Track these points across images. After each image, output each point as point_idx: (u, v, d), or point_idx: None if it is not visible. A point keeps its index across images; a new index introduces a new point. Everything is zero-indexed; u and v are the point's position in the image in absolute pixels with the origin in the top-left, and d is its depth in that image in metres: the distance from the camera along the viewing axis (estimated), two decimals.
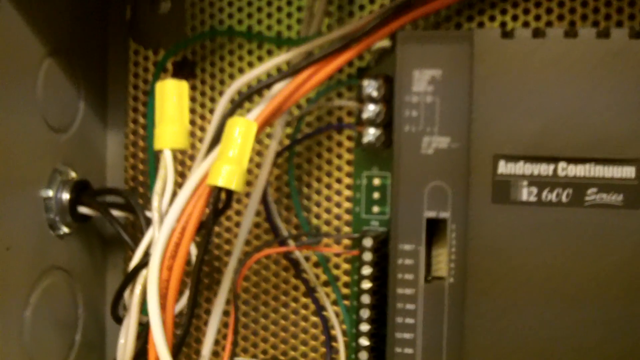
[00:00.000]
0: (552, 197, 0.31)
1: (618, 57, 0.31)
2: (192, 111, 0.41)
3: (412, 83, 0.33)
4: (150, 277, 0.32)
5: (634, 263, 0.31)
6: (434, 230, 0.34)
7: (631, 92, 0.31)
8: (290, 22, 0.40)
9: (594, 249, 0.31)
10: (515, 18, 0.37)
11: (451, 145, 0.33)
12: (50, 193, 0.37)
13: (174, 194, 0.33)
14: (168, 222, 0.32)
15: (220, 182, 0.32)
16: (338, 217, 0.40)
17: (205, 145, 0.35)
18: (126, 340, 0.34)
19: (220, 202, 0.33)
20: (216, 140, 0.34)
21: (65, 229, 0.38)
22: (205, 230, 0.33)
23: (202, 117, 0.41)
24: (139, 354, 0.34)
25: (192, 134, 0.41)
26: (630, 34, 0.31)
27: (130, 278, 0.34)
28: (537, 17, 0.37)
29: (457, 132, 0.33)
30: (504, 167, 0.32)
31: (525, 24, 0.37)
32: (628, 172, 0.31)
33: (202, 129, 0.41)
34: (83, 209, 0.38)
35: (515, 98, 0.31)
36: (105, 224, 0.42)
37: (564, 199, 0.31)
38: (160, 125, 0.34)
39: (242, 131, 0.32)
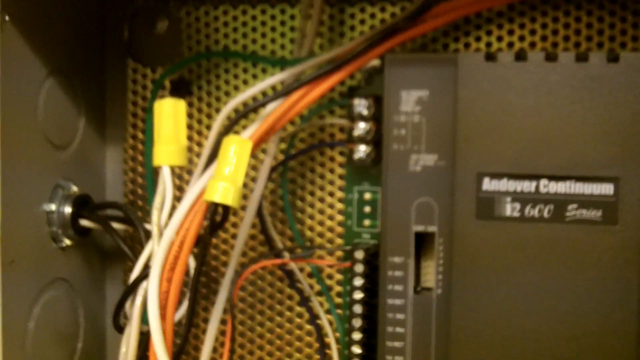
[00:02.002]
0: (535, 212, 0.33)
1: (596, 80, 0.32)
2: (189, 127, 0.42)
3: (400, 103, 0.35)
4: (151, 288, 0.33)
5: (612, 276, 0.32)
6: (422, 243, 0.35)
7: (609, 114, 0.32)
8: (283, 42, 0.41)
9: (575, 262, 0.32)
10: (500, 39, 0.38)
11: (438, 163, 0.34)
12: (53, 207, 0.39)
13: (173, 208, 0.35)
14: (167, 235, 0.34)
15: (217, 198, 0.33)
16: (330, 230, 0.41)
17: (202, 161, 0.36)
18: (127, 349, 0.35)
19: (217, 216, 0.35)
20: (213, 157, 0.35)
21: (67, 242, 0.39)
22: (202, 243, 0.35)
23: (199, 133, 0.42)
24: None
25: (189, 149, 0.42)
26: (608, 58, 0.32)
27: (131, 289, 0.35)
28: (521, 38, 0.38)
29: (443, 150, 0.34)
30: (488, 184, 0.33)
31: (510, 45, 0.38)
32: (607, 189, 0.32)
33: (199, 144, 0.42)
34: (84, 222, 0.40)
35: (499, 118, 0.33)
36: (104, 236, 0.43)
37: (545, 214, 0.33)
38: (159, 143, 0.35)
39: (237, 149, 0.33)
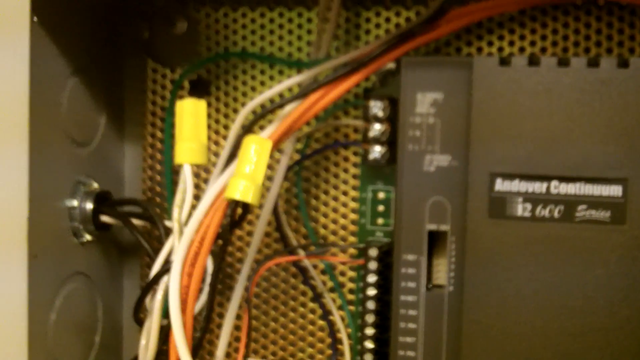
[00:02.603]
0: (545, 213, 0.34)
1: (607, 84, 0.33)
2: (207, 127, 0.43)
3: (415, 105, 0.36)
4: (172, 283, 0.34)
5: (620, 274, 0.33)
6: (435, 241, 0.36)
7: (618, 118, 0.33)
8: (300, 44, 0.42)
9: (583, 261, 0.33)
10: (511, 43, 0.40)
11: (451, 164, 0.35)
12: (75, 203, 0.40)
13: (192, 206, 0.36)
14: (188, 232, 0.35)
15: (238, 196, 0.34)
16: (344, 228, 0.42)
17: (221, 160, 0.38)
18: (148, 341, 0.36)
19: (237, 214, 0.36)
20: (232, 156, 0.36)
21: (87, 237, 0.40)
22: (222, 240, 0.36)
23: (216, 132, 0.43)
24: (157, 354, 0.37)
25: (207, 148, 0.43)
26: (618, 63, 0.33)
27: (152, 284, 0.36)
28: (532, 43, 0.39)
29: (457, 151, 0.35)
30: (500, 185, 0.34)
31: (521, 49, 0.39)
32: (615, 190, 0.33)
33: (217, 144, 0.43)
34: (105, 218, 0.40)
35: (511, 121, 0.34)
36: (122, 232, 0.44)
37: (556, 214, 0.34)
38: (180, 142, 0.36)
39: (257, 148, 0.34)
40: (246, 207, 0.35)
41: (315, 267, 0.42)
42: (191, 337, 0.34)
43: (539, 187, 0.34)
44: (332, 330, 0.42)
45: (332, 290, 0.42)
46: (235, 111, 0.43)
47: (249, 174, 0.34)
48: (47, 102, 0.37)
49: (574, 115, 0.33)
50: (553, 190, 0.34)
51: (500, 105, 0.34)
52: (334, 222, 0.42)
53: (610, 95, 0.33)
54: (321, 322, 0.43)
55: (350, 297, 0.42)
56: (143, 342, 0.37)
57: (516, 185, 0.34)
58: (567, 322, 0.34)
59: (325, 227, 0.42)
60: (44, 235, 0.37)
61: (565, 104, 0.33)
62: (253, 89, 0.43)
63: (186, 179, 0.36)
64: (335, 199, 0.42)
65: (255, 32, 0.42)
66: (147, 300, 0.37)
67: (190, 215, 0.36)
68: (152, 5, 0.43)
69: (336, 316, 0.42)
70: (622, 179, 0.33)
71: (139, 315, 0.38)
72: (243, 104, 0.43)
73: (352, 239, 0.42)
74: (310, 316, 0.43)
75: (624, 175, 0.33)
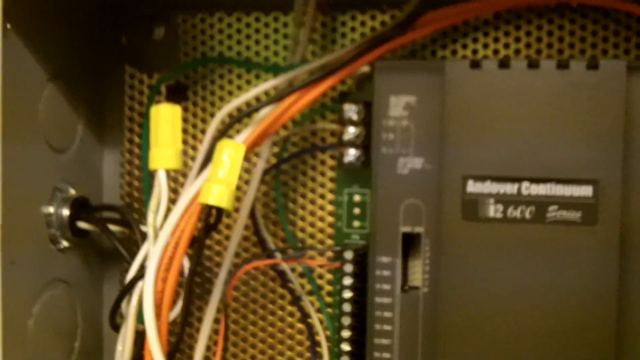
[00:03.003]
0: (517, 214, 0.34)
1: (576, 86, 0.33)
2: (184, 131, 0.43)
3: (389, 108, 0.36)
4: (146, 288, 0.34)
5: (591, 274, 0.33)
6: (410, 243, 0.36)
7: (588, 119, 0.33)
8: (276, 49, 0.42)
9: (555, 261, 0.34)
10: (485, 46, 0.40)
11: (425, 166, 0.35)
12: (52, 209, 0.40)
13: (168, 210, 0.36)
14: (162, 237, 0.35)
15: (211, 201, 0.34)
16: (321, 231, 0.42)
17: (197, 165, 0.38)
18: (124, 347, 0.36)
19: (211, 218, 0.36)
20: (207, 160, 0.36)
21: (65, 244, 0.40)
22: (197, 244, 0.36)
23: (194, 137, 0.43)
24: None
25: (185, 153, 0.43)
26: (588, 65, 0.33)
27: (127, 289, 0.36)
28: (506, 45, 0.40)
29: (430, 153, 0.35)
30: (472, 187, 0.34)
31: (495, 52, 0.40)
32: (586, 191, 0.34)
33: (194, 148, 0.43)
34: (82, 224, 0.41)
35: (483, 123, 0.34)
36: (102, 238, 0.44)
37: (527, 215, 0.34)
38: (155, 147, 0.36)
39: (231, 153, 0.35)
40: (220, 211, 0.36)
41: (293, 270, 0.42)
42: (167, 342, 0.34)
43: (510, 188, 0.34)
44: (311, 333, 0.43)
45: (310, 293, 0.42)
46: (213, 116, 0.43)
47: (223, 179, 0.34)
48: (23, 108, 0.37)
49: (545, 117, 0.34)
50: (524, 192, 0.34)
51: (472, 108, 0.34)
52: (312, 225, 0.42)
53: (580, 97, 0.33)
54: (300, 325, 0.43)
55: (329, 299, 0.42)
56: (119, 348, 0.37)
57: (488, 187, 0.34)
58: (541, 322, 0.34)
59: (303, 230, 0.43)
60: (20, 241, 0.37)
61: (536, 106, 0.34)
62: (230, 93, 0.43)
63: (161, 184, 0.36)
64: (313, 202, 0.42)
65: (232, 37, 0.43)
66: (124, 305, 0.37)
67: (165, 220, 0.36)
68: (130, 11, 0.43)
69: (315, 319, 0.42)
70: (593, 180, 0.33)
71: (116, 321, 0.38)
72: (220, 109, 0.42)
73: (329, 241, 0.42)
74: (289, 319, 0.43)
75: (594, 176, 0.33)
